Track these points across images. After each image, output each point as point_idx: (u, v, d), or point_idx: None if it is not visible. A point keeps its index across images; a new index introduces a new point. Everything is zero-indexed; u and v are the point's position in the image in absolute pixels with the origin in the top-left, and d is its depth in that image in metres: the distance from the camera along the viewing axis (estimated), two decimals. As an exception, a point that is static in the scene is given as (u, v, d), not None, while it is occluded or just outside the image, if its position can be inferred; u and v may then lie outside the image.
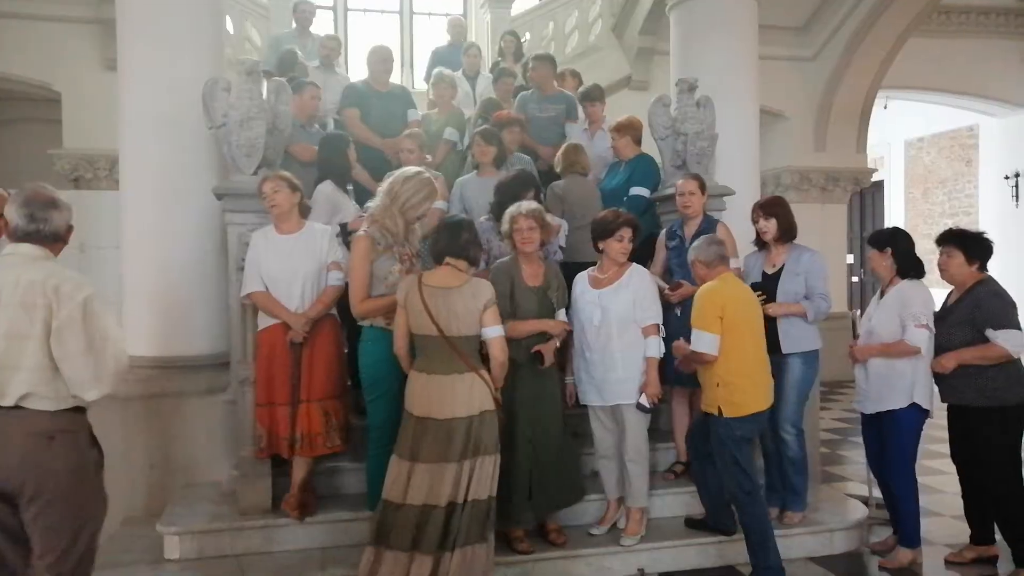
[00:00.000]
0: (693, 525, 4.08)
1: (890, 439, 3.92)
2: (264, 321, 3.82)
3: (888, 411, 3.88)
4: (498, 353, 3.31)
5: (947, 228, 4.11)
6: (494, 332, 3.31)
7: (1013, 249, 12.94)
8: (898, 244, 3.95)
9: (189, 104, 4.25)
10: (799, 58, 9.60)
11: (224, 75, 4.34)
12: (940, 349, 3.82)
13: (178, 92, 4.35)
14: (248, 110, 4.05)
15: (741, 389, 3.60)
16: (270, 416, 3.75)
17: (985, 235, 3.92)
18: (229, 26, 8.82)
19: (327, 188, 4.37)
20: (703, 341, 3.57)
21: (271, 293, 3.76)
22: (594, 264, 4.01)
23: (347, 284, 3.70)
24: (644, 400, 3.76)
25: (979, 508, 3.96)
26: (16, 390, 2.44)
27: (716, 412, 3.63)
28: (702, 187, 4.36)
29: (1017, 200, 12.93)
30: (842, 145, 9.95)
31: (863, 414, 4.08)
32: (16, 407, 2.45)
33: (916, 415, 3.86)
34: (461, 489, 3.22)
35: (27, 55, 7.67)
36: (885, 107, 12.49)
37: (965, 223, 14.54)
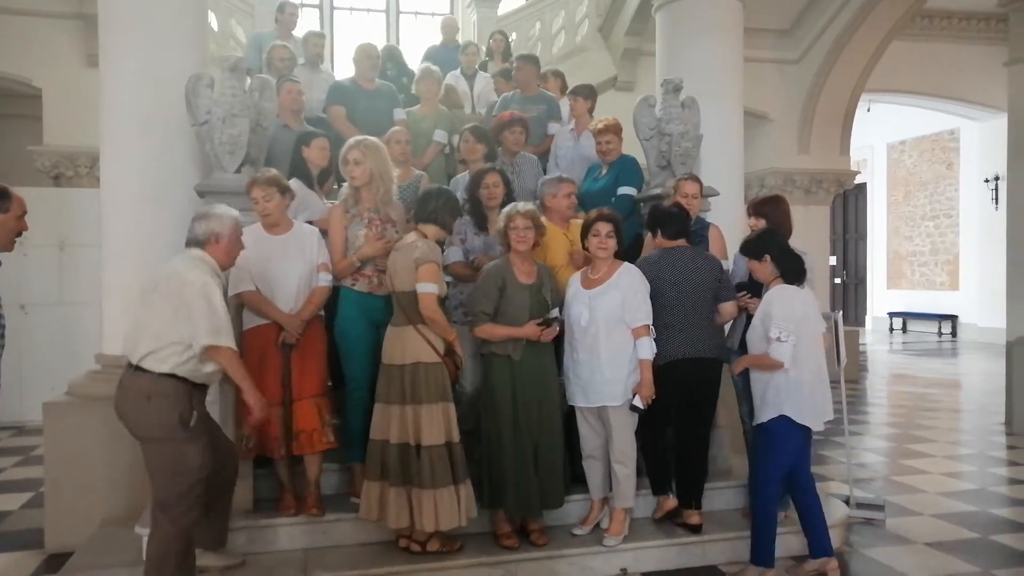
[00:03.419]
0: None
1: (756, 451, 3.80)
2: (251, 321, 3.80)
3: (760, 423, 3.72)
4: (423, 308, 3.56)
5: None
6: (422, 288, 3.56)
7: (993, 251, 13.10)
8: (772, 247, 3.73)
9: (172, 101, 4.20)
10: (784, 61, 9.67)
11: (208, 72, 4.30)
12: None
13: (161, 89, 4.30)
14: (231, 107, 4.02)
15: None
16: (261, 416, 3.71)
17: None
18: (213, 23, 8.76)
19: (294, 184, 4.35)
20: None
21: (261, 293, 3.75)
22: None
23: (335, 285, 3.92)
24: (638, 401, 3.76)
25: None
26: (143, 349, 3.13)
27: None
28: (701, 189, 4.40)
29: (997, 203, 13.10)
30: (825, 147, 10.03)
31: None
32: (137, 367, 3.13)
33: (786, 429, 3.64)
34: (410, 433, 3.55)
35: (7, 51, 7.59)
36: (868, 110, 12.64)
37: (946, 225, 14.78)
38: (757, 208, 4.16)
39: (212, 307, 3.11)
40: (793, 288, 3.69)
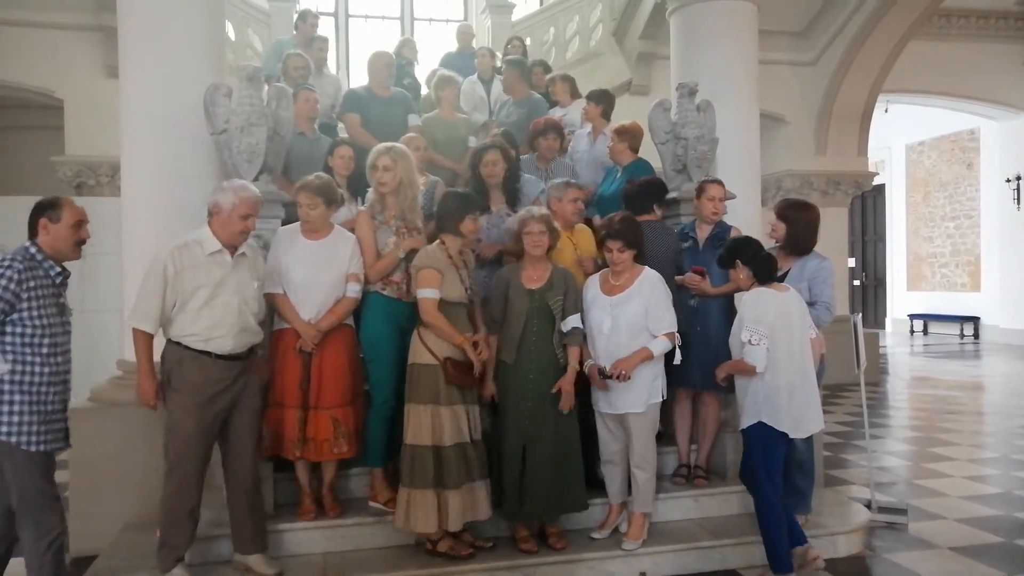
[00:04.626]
0: None
1: (744, 457, 3.75)
2: (279, 323, 3.83)
3: (742, 430, 3.71)
4: (422, 313, 3.64)
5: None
6: (420, 293, 3.65)
7: (1015, 251, 12.94)
8: (744, 252, 3.69)
9: (190, 110, 4.25)
10: (799, 62, 9.62)
11: (225, 81, 4.35)
12: None
13: (179, 98, 4.35)
14: (249, 116, 4.06)
15: None
16: (278, 416, 3.75)
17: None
18: (230, 32, 8.85)
19: None
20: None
21: (288, 297, 3.77)
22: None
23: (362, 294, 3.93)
24: (608, 368, 3.71)
25: None
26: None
27: None
28: (725, 192, 4.40)
29: (1018, 203, 12.95)
30: (843, 149, 9.95)
31: None
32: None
33: (762, 434, 3.59)
34: (401, 430, 3.65)
35: (29, 62, 7.71)
36: (886, 111, 12.51)
37: (967, 226, 14.61)
38: (783, 210, 4.13)
39: (140, 288, 3.37)
40: (769, 291, 3.63)
